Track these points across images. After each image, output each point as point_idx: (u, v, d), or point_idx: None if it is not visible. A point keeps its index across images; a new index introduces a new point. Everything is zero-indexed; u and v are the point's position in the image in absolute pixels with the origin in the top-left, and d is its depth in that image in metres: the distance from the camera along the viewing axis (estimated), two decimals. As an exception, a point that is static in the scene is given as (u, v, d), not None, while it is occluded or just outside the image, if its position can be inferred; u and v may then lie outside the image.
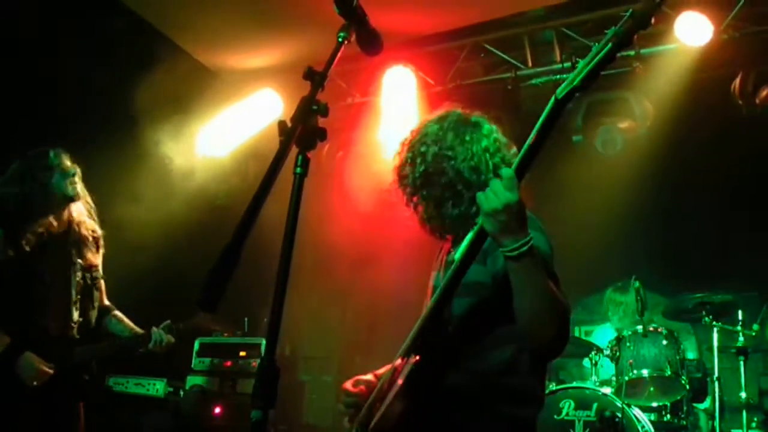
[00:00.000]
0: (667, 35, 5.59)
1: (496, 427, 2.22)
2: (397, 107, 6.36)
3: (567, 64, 5.93)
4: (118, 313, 4.16)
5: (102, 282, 4.09)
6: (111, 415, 4.81)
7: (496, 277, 2.20)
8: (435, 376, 2.17)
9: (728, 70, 5.76)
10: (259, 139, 6.60)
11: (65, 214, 3.88)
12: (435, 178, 2.37)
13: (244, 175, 6.74)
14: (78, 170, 3.91)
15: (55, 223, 3.84)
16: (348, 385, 2.50)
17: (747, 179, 6.04)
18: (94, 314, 4.01)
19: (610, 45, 1.86)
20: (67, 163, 3.89)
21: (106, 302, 4.15)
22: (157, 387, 5.15)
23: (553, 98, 1.93)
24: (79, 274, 3.89)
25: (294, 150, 1.80)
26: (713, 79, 5.81)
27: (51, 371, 3.68)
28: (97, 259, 4.03)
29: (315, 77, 1.89)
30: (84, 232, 3.95)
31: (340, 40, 2.02)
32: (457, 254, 2.09)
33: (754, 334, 5.00)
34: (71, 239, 3.90)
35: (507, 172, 1.92)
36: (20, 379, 3.62)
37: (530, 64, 6.28)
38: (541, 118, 1.94)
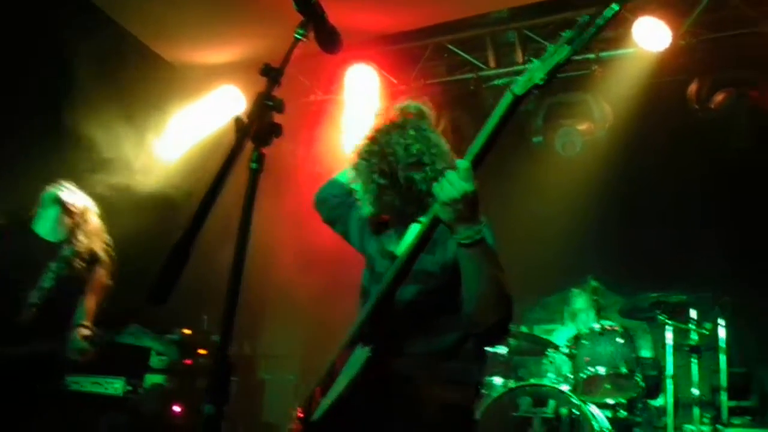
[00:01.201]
0: (625, 39, 5.68)
1: (435, 408, 2.26)
2: (360, 105, 6.37)
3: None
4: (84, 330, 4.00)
5: (87, 302, 3.98)
6: (67, 415, 4.71)
7: (444, 267, 2.25)
8: (380, 363, 2.20)
9: (684, 75, 5.89)
10: (220, 136, 6.55)
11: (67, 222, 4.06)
12: (424, 166, 2.28)
13: (203, 171, 6.67)
14: (65, 185, 4.11)
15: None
16: None
17: (701, 181, 6.16)
18: (59, 325, 3.89)
19: (566, 47, 1.91)
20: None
21: (85, 322, 3.97)
22: (116, 386, 5.06)
23: (510, 94, 1.97)
24: (50, 281, 3.87)
25: (250, 146, 1.80)
26: (670, 83, 5.93)
27: None
28: (84, 274, 3.98)
29: (271, 73, 1.89)
30: (78, 243, 4.02)
31: (297, 37, 2.03)
32: (401, 246, 2.13)
33: (707, 332, 5.12)
34: (60, 246, 3.97)
35: (463, 163, 1.98)
36: None
37: (492, 65, 6.33)
38: (497, 113, 1.98)
